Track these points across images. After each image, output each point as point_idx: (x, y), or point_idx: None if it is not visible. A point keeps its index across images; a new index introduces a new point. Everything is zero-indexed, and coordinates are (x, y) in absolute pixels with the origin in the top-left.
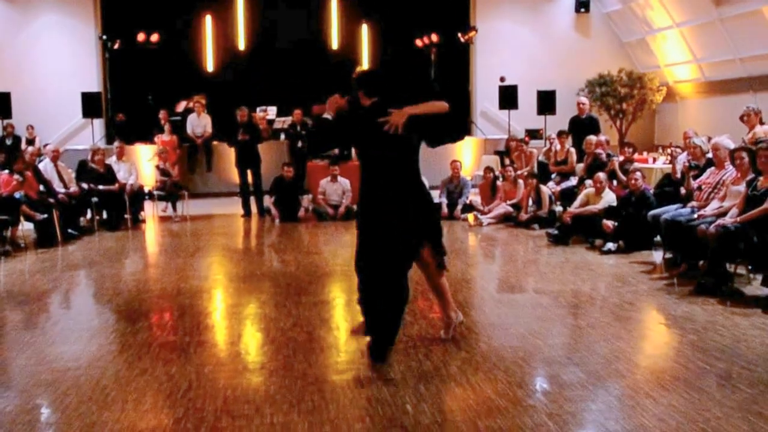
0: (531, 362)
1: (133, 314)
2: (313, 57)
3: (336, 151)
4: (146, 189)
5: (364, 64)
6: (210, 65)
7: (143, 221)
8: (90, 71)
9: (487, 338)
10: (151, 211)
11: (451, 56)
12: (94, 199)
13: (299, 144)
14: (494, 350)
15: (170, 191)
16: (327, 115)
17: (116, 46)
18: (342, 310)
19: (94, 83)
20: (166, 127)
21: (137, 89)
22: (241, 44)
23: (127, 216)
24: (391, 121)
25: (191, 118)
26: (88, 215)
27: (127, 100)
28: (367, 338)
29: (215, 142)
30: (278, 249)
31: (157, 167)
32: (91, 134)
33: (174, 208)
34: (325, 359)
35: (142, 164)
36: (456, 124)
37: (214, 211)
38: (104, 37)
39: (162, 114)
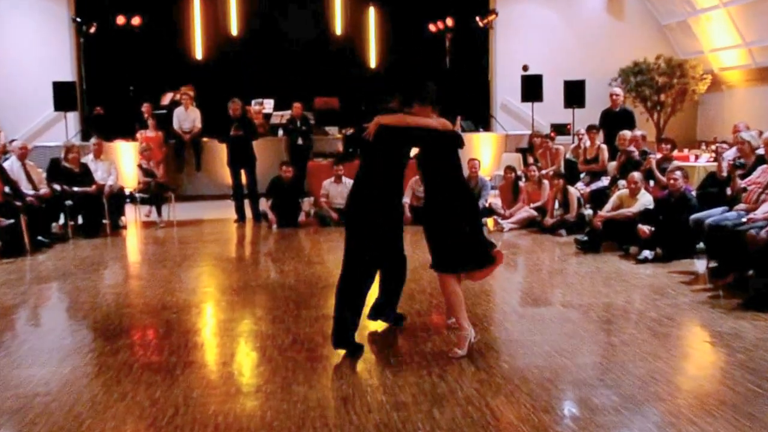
0: (558, 384)
1: (112, 332)
2: (315, 44)
3: (340, 148)
4: (127, 191)
5: (371, 51)
6: (199, 52)
7: (124, 227)
8: (62, 58)
9: (509, 357)
10: (132, 215)
11: (467, 43)
12: (68, 203)
13: (299, 141)
14: (517, 370)
15: (154, 193)
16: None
17: (92, 30)
18: None
19: (67, 72)
20: (150, 121)
21: (117, 79)
22: (234, 29)
23: (105, 221)
24: (368, 128)
25: (178, 112)
26: (61, 220)
27: (106, 91)
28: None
29: (205, 139)
30: (276, 258)
31: (140, 167)
32: (65, 129)
33: (159, 212)
34: (328, 381)
35: (123, 163)
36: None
37: (203, 216)
38: (78, 19)
39: (145, 107)
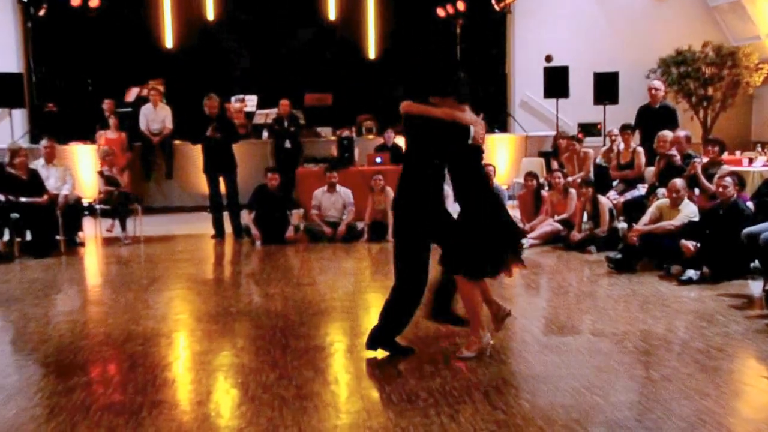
0: (588, 426)
1: (66, 367)
2: (305, 31)
3: (335, 153)
4: (85, 202)
5: (370, 40)
6: (169, 40)
7: (81, 244)
8: (6, 46)
9: (531, 394)
10: (92, 230)
11: (482, 30)
12: (14, 215)
13: (287, 144)
14: (540, 410)
15: (118, 205)
16: None
17: (42, 13)
18: (342, 358)
19: (12, 62)
20: (112, 120)
21: (72, 71)
22: (210, 13)
23: (59, 237)
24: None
25: (146, 110)
26: (6, 236)
27: (59, 85)
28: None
29: (177, 142)
30: (260, 279)
31: (100, 173)
32: (10, 129)
33: (123, 226)
34: (319, 423)
35: (80, 170)
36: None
37: (175, 231)
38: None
39: (106, 104)
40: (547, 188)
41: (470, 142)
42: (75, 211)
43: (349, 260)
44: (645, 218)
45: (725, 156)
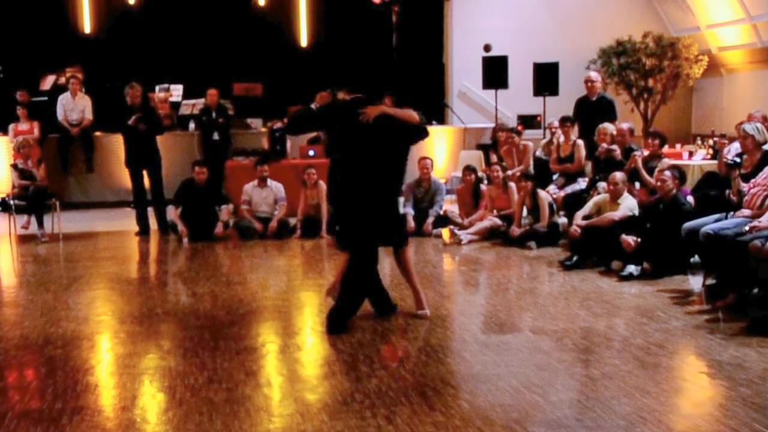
0: (528, 426)
1: None
2: (234, 17)
3: (266, 145)
4: None
5: (302, 27)
6: (87, 25)
7: None
8: None
9: (470, 394)
10: (5, 227)
11: (419, 17)
12: None
13: (215, 136)
14: (479, 410)
15: (34, 200)
16: (313, 106)
17: None
18: (274, 360)
19: None
20: (20, 111)
21: None
22: None
23: None
24: (366, 112)
25: (63, 100)
26: None
27: None
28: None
29: (98, 133)
30: (187, 278)
31: (14, 167)
32: None
33: (40, 223)
34: (251, 426)
35: None
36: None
37: (96, 228)
38: None
39: (20, 94)
40: (486, 182)
41: None
42: None
43: (281, 257)
44: (581, 212)
45: (666, 149)
